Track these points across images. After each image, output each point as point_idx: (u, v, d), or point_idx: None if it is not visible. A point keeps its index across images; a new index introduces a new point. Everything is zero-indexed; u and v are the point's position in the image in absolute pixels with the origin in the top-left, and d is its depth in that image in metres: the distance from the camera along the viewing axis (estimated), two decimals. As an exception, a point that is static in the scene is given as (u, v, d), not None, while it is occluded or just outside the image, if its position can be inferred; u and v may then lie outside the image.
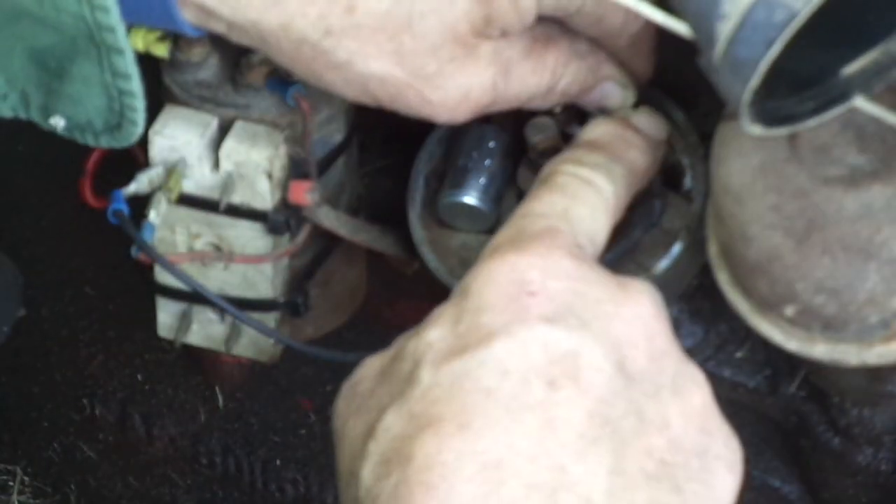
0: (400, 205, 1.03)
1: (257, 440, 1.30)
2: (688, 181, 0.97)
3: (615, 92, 0.93)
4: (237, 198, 1.02)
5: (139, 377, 1.33)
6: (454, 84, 0.86)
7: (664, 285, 0.95)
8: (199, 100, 1.03)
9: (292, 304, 1.10)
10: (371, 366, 0.77)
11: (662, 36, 0.90)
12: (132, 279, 1.28)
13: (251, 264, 1.06)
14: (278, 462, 1.30)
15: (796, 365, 1.05)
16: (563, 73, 0.91)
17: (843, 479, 1.09)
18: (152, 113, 1.03)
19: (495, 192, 1.00)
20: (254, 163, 1.01)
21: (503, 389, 0.70)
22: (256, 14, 0.83)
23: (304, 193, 1.02)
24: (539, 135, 0.97)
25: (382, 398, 0.73)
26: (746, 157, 0.84)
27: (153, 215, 0.99)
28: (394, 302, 1.23)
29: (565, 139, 0.97)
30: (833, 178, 0.82)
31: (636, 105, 0.95)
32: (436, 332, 0.74)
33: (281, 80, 1.01)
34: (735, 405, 1.11)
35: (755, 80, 0.75)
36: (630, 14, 0.87)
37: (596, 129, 0.90)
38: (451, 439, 0.69)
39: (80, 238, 1.35)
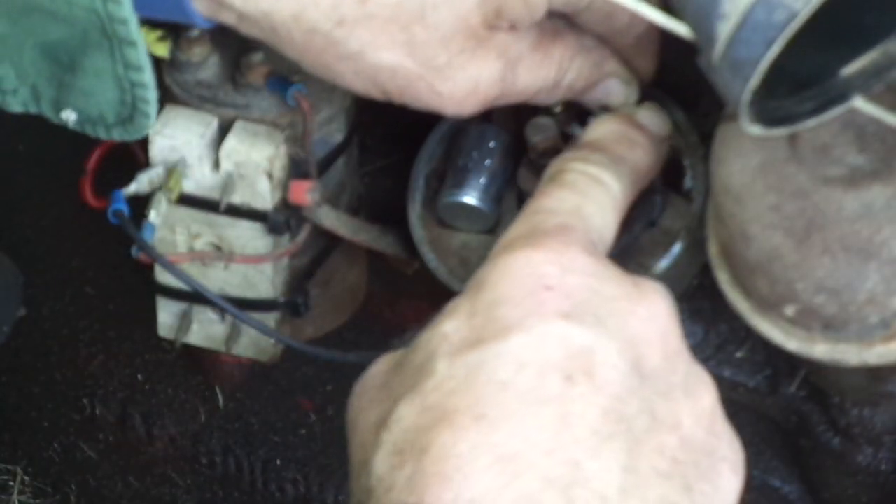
0: (400, 205, 1.03)
1: (257, 440, 1.30)
2: (688, 181, 0.97)
3: (618, 89, 0.93)
4: (237, 198, 1.02)
5: (139, 377, 1.33)
6: (464, 76, 0.86)
7: (664, 285, 0.96)
8: (199, 100, 1.03)
9: (292, 304, 1.10)
10: (385, 360, 0.77)
11: (663, 36, 0.90)
12: (132, 279, 1.28)
13: (251, 264, 1.06)
14: (278, 462, 1.30)
15: (796, 365, 1.05)
16: (568, 68, 0.91)
17: (843, 479, 1.09)
18: (152, 113, 1.03)
19: (495, 192, 1.00)
20: (254, 163, 1.01)
21: (519, 382, 0.70)
22: (268, 4, 0.83)
23: (305, 193, 1.02)
24: (539, 135, 0.97)
25: (396, 389, 0.73)
26: (746, 156, 0.84)
27: (153, 215, 0.99)
28: (394, 302, 1.23)
29: (565, 139, 0.97)
30: (833, 177, 0.82)
31: (638, 103, 0.95)
32: (451, 324, 0.74)
33: (281, 79, 1.01)
34: (735, 405, 1.11)
35: (755, 80, 0.75)
36: None
37: (600, 129, 0.90)
38: (465, 431, 0.69)
39: (80, 238, 1.35)
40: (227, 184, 1.02)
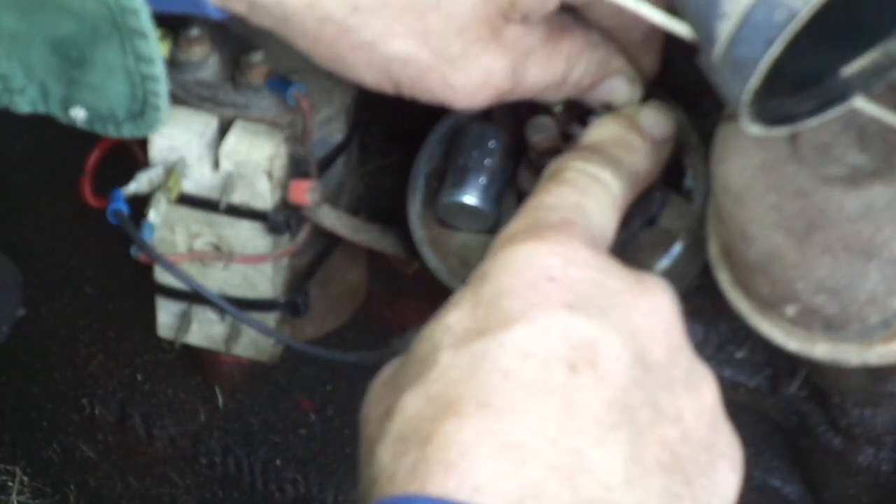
0: (400, 205, 1.03)
1: (257, 440, 1.30)
2: (688, 181, 0.97)
3: (623, 87, 0.93)
4: (237, 197, 1.02)
5: (139, 377, 1.33)
6: (477, 67, 0.86)
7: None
8: (198, 99, 1.03)
9: (292, 304, 1.10)
10: (396, 360, 0.77)
11: (665, 35, 0.90)
12: (132, 279, 1.28)
13: (251, 264, 1.06)
14: (278, 462, 1.30)
15: (797, 365, 1.05)
16: (575, 64, 0.90)
17: (843, 480, 1.09)
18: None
19: (495, 192, 1.00)
20: (254, 162, 1.01)
21: (524, 372, 0.70)
22: None
23: (304, 193, 1.02)
24: (539, 135, 0.97)
25: (401, 382, 0.73)
26: (747, 156, 0.84)
27: (153, 215, 0.99)
28: (394, 302, 1.23)
29: (565, 139, 0.97)
30: (834, 177, 0.82)
31: (642, 101, 0.95)
32: (454, 316, 0.74)
33: (281, 79, 1.01)
34: (735, 405, 1.10)
35: (755, 80, 0.75)
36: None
37: (599, 131, 0.90)
38: (470, 419, 0.69)
39: (80, 238, 1.35)
40: (227, 184, 1.01)
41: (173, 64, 1.02)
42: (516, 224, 0.79)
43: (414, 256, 1.03)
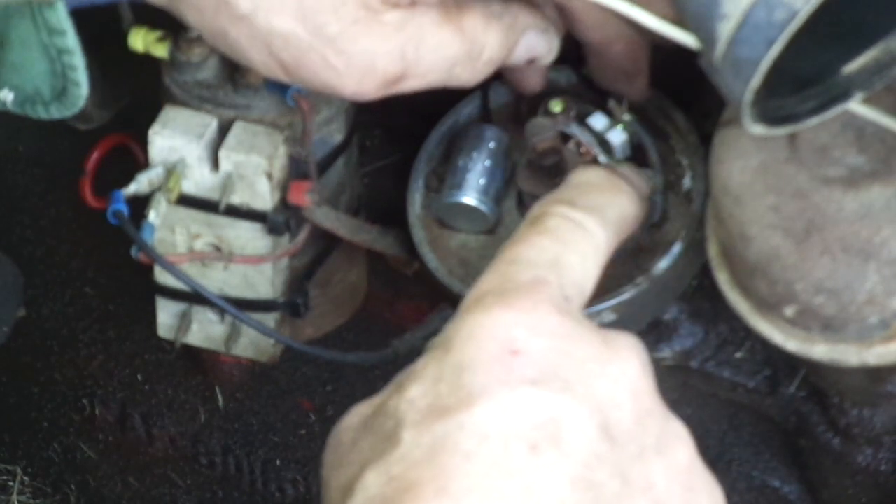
0: (400, 205, 1.03)
1: (257, 440, 1.30)
2: (688, 181, 0.97)
3: (539, 41, 0.91)
4: (237, 198, 1.02)
5: (139, 377, 1.33)
6: (358, 49, 0.84)
7: (664, 285, 0.96)
8: (198, 100, 1.03)
9: (292, 304, 1.10)
10: (356, 413, 0.75)
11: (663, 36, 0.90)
12: (132, 279, 1.28)
13: (251, 264, 1.06)
14: (278, 462, 1.30)
15: (796, 365, 1.05)
16: (484, 41, 0.88)
17: (842, 480, 1.09)
18: (152, 113, 1.03)
19: (495, 192, 1.00)
20: (253, 163, 1.01)
21: (483, 454, 0.68)
22: None
23: (304, 194, 1.02)
24: (538, 135, 0.97)
25: (364, 453, 0.72)
26: (746, 157, 0.84)
27: (153, 216, 0.99)
28: (394, 302, 1.23)
29: (564, 139, 0.97)
30: (833, 178, 0.82)
31: (636, 111, 0.96)
32: (417, 389, 0.72)
33: (281, 80, 1.01)
34: (735, 405, 1.11)
35: (756, 80, 0.75)
36: None
37: (586, 174, 0.87)
38: (428, 503, 0.67)
39: (80, 238, 1.35)
40: (227, 184, 1.01)
41: (173, 64, 1.03)
42: (487, 280, 0.77)
43: (414, 257, 1.03)
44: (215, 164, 1.02)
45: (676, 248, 0.95)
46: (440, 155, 1.04)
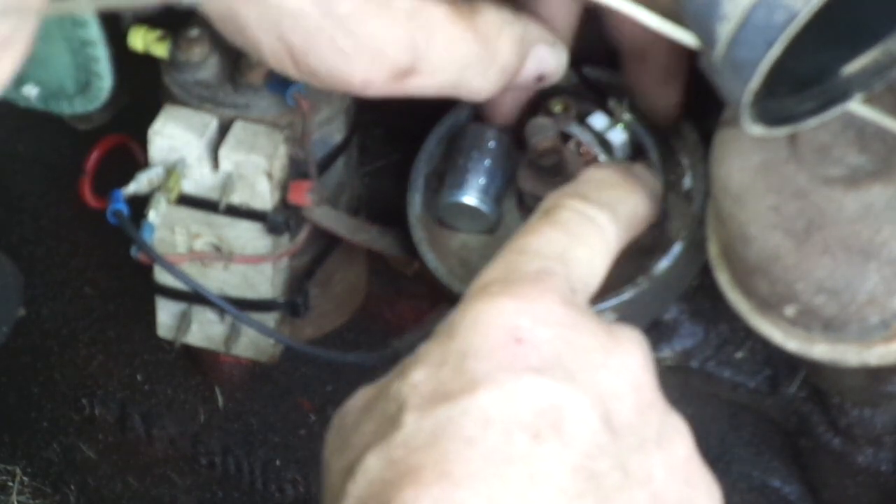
0: (400, 205, 1.03)
1: (257, 440, 1.30)
2: (688, 181, 0.97)
3: (549, 55, 0.90)
4: (237, 198, 1.02)
5: (139, 377, 1.33)
6: (368, 31, 0.82)
7: (664, 285, 0.96)
8: (198, 100, 1.03)
9: (292, 304, 1.10)
10: (360, 396, 0.75)
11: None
12: (132, 279, 1.28)
13: (251, 264, 1.06)
14: (278, 462, 1.30)
15: (796, 365, 1.05)
16: (497, 45, 0.87)
17: (843, 480, 1.09)
18: (152, 113, 1.03)
19: (495, 192, 1.00)
20: (253, 163, 1.01)
21: (486, 440, 0.69)
22: None
23: (304, 193, 1.02)
24: (539, 135, 0.97)
25: (365, 436, 0.72)
26: (746, 157, 0.84)
27: (153, 215, 0.99)
28: (394, 302, 1.23)
29: (565, 139, 0.97)
30: (833, 178, 0.82)
31: (633, 115, 0.96)
32: (420, 374, 0.72)
33: (281, 79, 1.00)
34: (735, 405, 1.11)
35: (756, 81, 0.75)
36: None
37: (601, 170, 0.88)
38: (428, 488, 0.67)
39: (80, 238, 1.35)
40: (227, 184, 1.01)
41: (173, 64, 1.02)
42: (494, 269, 0.77)
43: (414, 256, 1.03)
44: (215, 163, 1.02)
45: (677, 248, 0.95)
46: (440, 155, 1.04)
